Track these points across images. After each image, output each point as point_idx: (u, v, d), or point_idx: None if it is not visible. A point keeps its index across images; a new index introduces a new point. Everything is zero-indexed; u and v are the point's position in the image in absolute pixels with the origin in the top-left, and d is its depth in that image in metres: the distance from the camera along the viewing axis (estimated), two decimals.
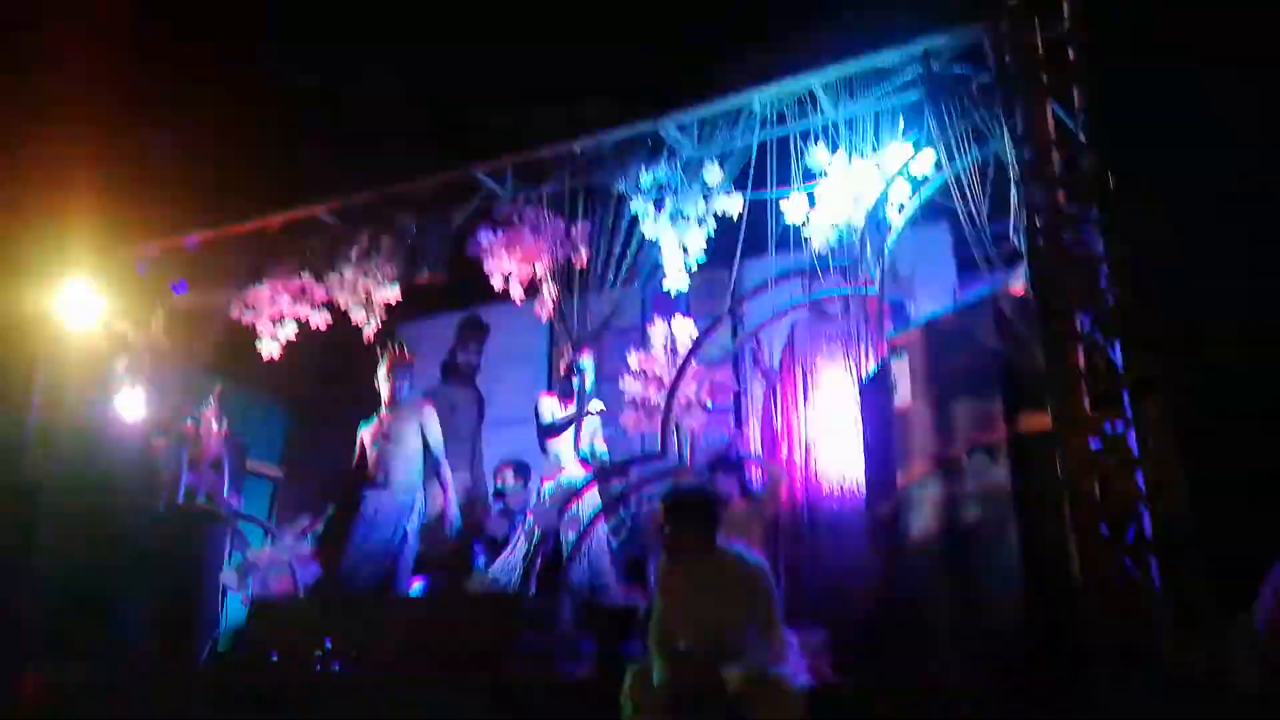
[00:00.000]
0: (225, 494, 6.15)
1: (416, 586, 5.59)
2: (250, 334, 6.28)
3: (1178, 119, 4.77)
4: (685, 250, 4.96)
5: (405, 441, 5.55)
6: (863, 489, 4.47)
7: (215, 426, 6.34)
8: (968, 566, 3.53)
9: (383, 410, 5.73)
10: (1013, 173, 3.74)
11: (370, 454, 5.60)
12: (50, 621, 5.28)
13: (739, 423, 6.12)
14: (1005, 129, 3.84)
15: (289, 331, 6.23)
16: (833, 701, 3.32)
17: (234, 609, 5.77)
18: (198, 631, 5.38)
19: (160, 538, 5.68)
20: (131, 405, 6.33)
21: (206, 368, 6.78)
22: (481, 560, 5.58)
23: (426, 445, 5.59)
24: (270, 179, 6.62)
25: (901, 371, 4.03)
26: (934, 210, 4.58)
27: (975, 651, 3.38)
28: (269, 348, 6.21)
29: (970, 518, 3.56)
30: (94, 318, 6.33)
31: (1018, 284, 3.81)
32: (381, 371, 5.77)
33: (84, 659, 5.05)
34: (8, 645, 5.11)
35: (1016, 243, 3.79)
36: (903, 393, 3.99)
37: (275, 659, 4.64)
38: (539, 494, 5.41)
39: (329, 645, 4.50)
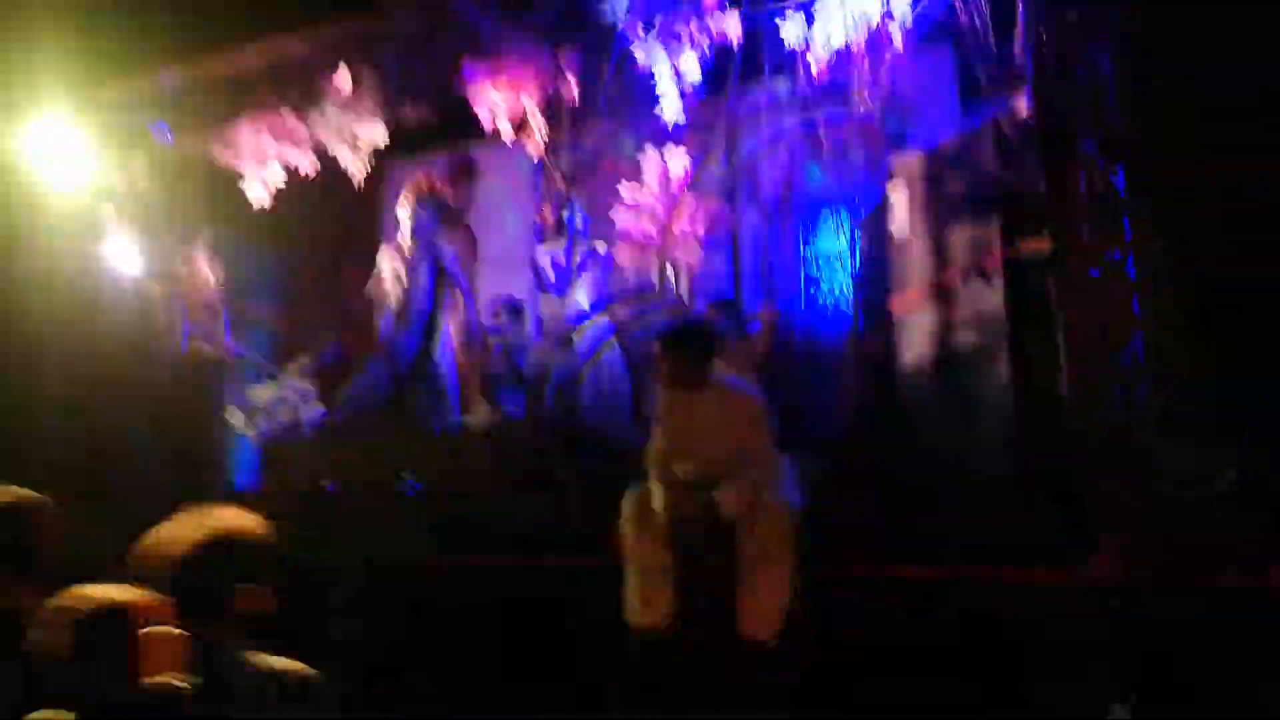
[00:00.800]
0: (224, 337, 6.18)
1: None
2: (236, 179, 6.15)
3: None
4: (679, 76, 4.75)
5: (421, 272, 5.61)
6: (859, 320, 4.49)
7: (208, 271, 6.30)
8: (959, 390, 3.58)
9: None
10: None
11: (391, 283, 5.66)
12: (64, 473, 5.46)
13: (736, 257, 6.05)
14: None
15: (276, 177, 6.08)
16: (826, 521, 3.44)
17: (244, 450, 5.92)
18: (210, 471, 5.53)
19: (164, 383, 5.77)
20: (122, 254, 6.28)
21: (195, 214, 6.66)
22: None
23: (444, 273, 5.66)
24: (245, 10, 6.27)
25: (900, 200, 3.97)
26: (937, 32, 4.35)
27: (967, 474, 3.47)
28: (256, 193, 6.08)
29: (964, 343, 3.59)
30: (75, 163, 6.19)
31: (1021, 106, 3.68)
32: (405, 201, 5.77)
33: (101, 501, 5.23)
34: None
35: (1022, 64, 3.63)
36: (900, 221, 3.94)
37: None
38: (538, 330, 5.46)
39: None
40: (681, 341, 3.47)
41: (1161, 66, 3.56)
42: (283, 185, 6.00)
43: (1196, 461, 2.92)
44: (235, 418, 5.73)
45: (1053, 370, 3.20)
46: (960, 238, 3.65)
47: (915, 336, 3.80)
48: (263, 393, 5.83)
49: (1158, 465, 2.94)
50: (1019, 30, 3.60)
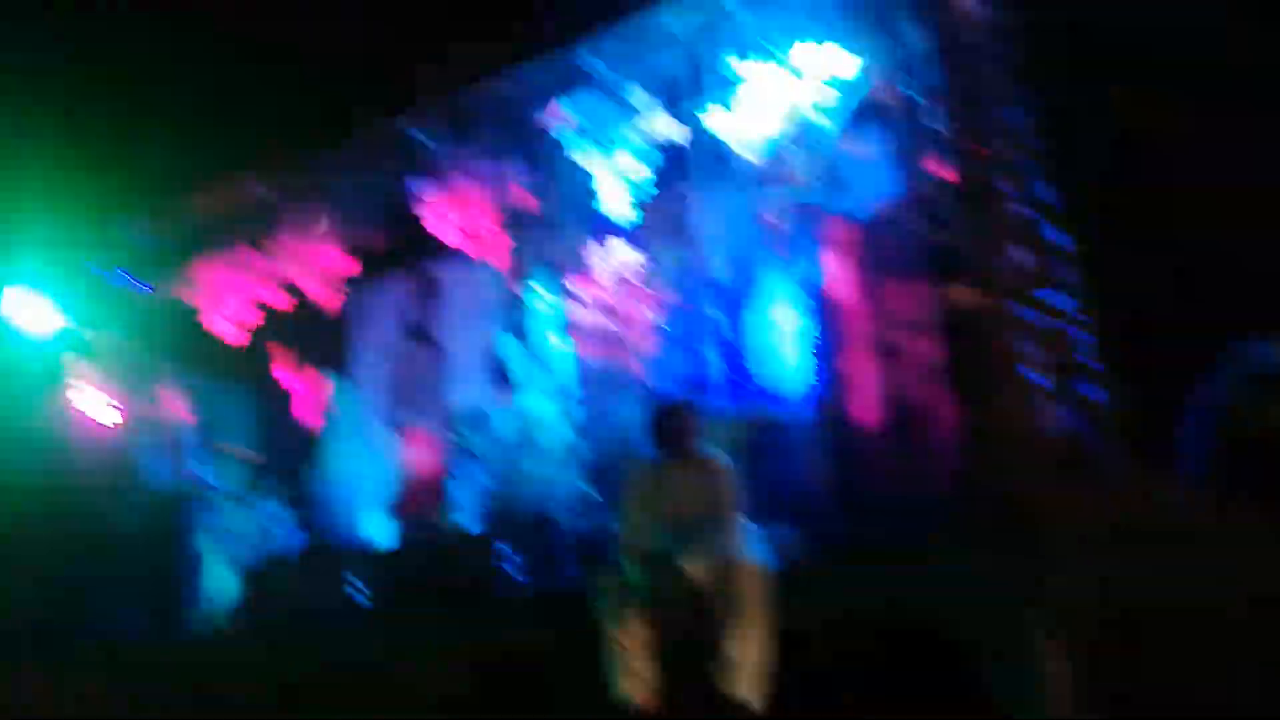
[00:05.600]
0: (194, 470, 6.20)
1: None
2: (207, 319, 6.30)
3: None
4: (628, 179, 5.01)
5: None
6: (816, 389, 4.60)
7: (174, 406, 6.37)
8: (910, 442, 3.68)
9: None
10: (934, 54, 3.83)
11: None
12: (39, 615, 5.38)
13: (697, 344, 6.17)
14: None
15: (248, 313, 6.25)
16: (801, 582, 3.46)
17: (221, 579, 5.84)
18: (183, 604, 5.44)
19: (136, 520, 5.74)
20: (92, 396, 6.35)
21: (163, 355, 6.78)
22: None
23: None
24: (200, 160, 6.56)
25: (840, 267, 4.15)
26: (869, 110, 4.63)
27: (922, 520, 3.52)
28: (225, 329, 6.24)
29: (910, 397, 3.71)
30: (45, 319, 6.34)
31: (945, 170, 3.92)
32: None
33: (75, 645, 5.13)
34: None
35: (941, 132, 3.88)
36: (842, 286, 4.12)
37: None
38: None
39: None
40: (675, 412, 3.74)
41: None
42: (251, 320, 6.15)
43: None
44: (207, 549, 5.69)
45: (995, 413, 3.31)
46: (898, 296, 3.81)
47: (867, 393, 3.92)
48: (234, 519, 5.81)
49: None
50: (939, 102, 3.85)
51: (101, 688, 4.78)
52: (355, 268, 6.25)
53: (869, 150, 4.51)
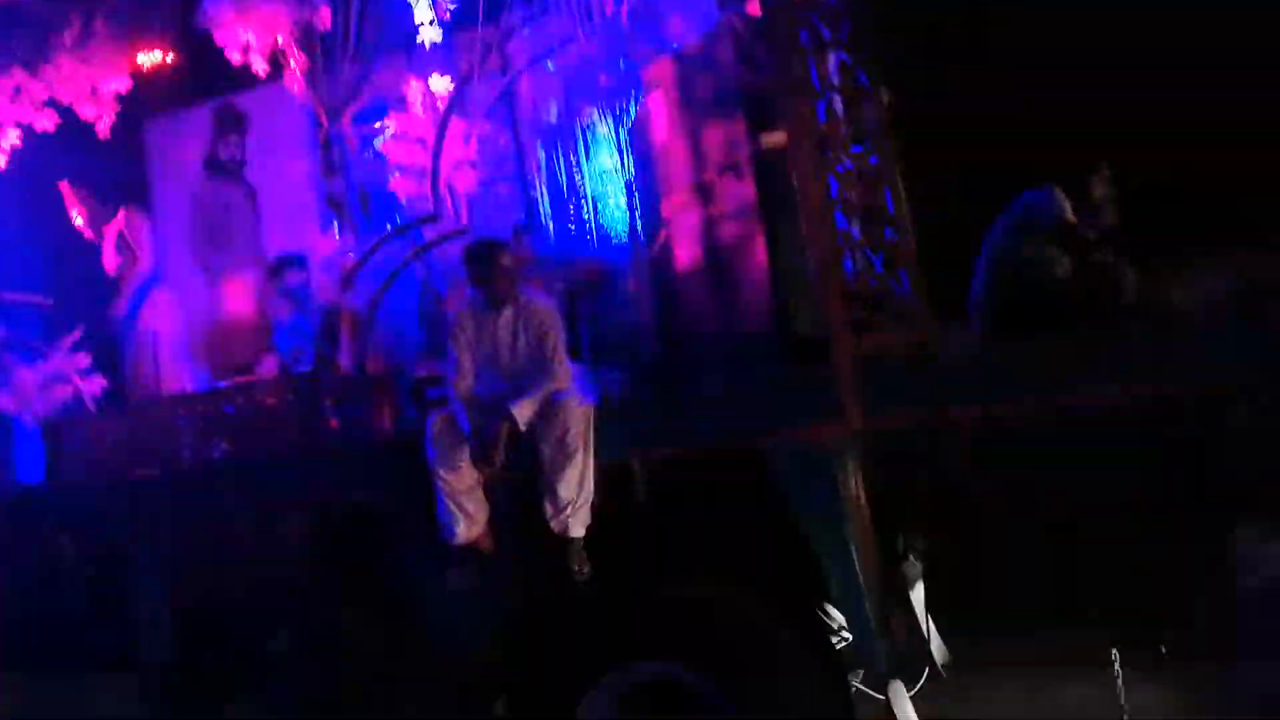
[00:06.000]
0: None
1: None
2: None
3: None
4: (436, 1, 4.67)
5: None
6: (638, 230, 4.66)
7: None
8: (726, 282, 3.82)
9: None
10: None
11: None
12: None
13: (523, 181, 6.08)
14: None
15: (12, 138, 5.59)
16: (622, 415, 3.61)
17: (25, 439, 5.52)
18: None
19: None
20: None
21: None
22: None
23: None
24: None
25: (657, 106, 4.11)
26: None
27: (736, 359, 3.73)
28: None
29: (724, 236, 3.81)
30: None
31: (756, 7, 3.87)
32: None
33: None
34: None
35: None
36: (659, 126, 4.09)
37: None
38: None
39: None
40: (486, 256, 3.59)
41: None
42: (18, 144, 5.53)
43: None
44: (6, 403, 5.32)
45: (801, 252, 3.45)
46: (713, 136, 3.83)
47: (684, 233, 3.99)
48: (34, 373, 5.43)
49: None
50: None
51: None
52: (144, 92, 5.67)
53: None
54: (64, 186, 6.20)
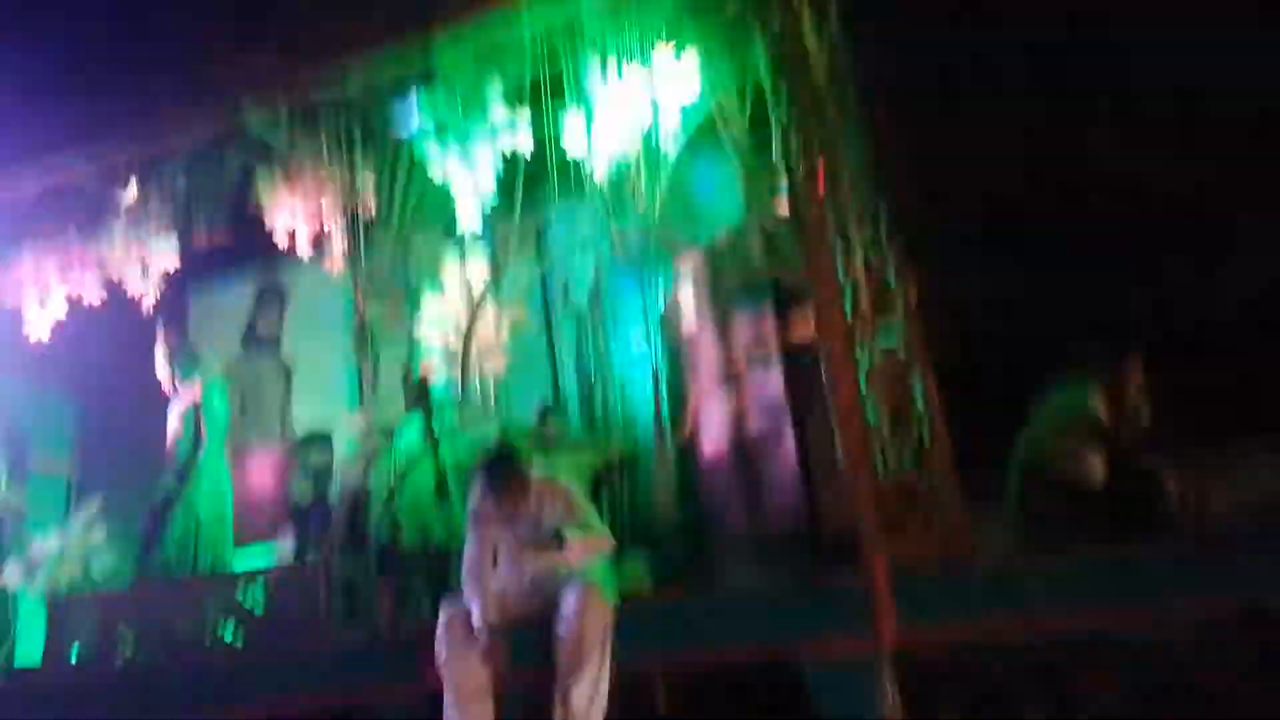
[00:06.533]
0: (3, 490, 5.69)
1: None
2: (16, 316, 5.76)
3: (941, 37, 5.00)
4: (474, 178, 4.82)
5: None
6: (665, 418, 4.59)
7: None
8: (753, 475, 3.70)
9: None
10: (772, 95, 3.85)
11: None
12: None
13: (552, 362, 6.12)
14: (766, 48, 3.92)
15: (58, 308, 5.74)
16: (643, 615, 3.42)
17: (28, 612, 5.38)
18: None
19: None
20: None
21: None
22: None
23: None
24: (16, 136, 5.98)
25: (687, 296, 4.14)
26: (707, 137, 4.63)
27: (764, 556, 3.56)
28: (36, 328, 5.71)
29: (753, 426, 3.73)
30: None
31: (780, 203, 3.95)
32: (159, 355, 5.50)
33: None
34: None
35: (778, 163, 3.90)
36: (689, 316, 4.11)
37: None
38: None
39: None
40: (501, 469, 3.48)
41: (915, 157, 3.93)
42: (63, 316, 5.67)
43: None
44: (13, 575, 5.22)
45: (830, 447, 3.35)
46: (741, 327, 3.82)
47: (712, 423, 3.92)
48: (45, 545, 5.34)
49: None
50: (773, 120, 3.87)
51: None
52: (190, 265, 5.86)
53: (711, 177, 4.52)
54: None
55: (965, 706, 3.08)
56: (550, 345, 5.96)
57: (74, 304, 5.70)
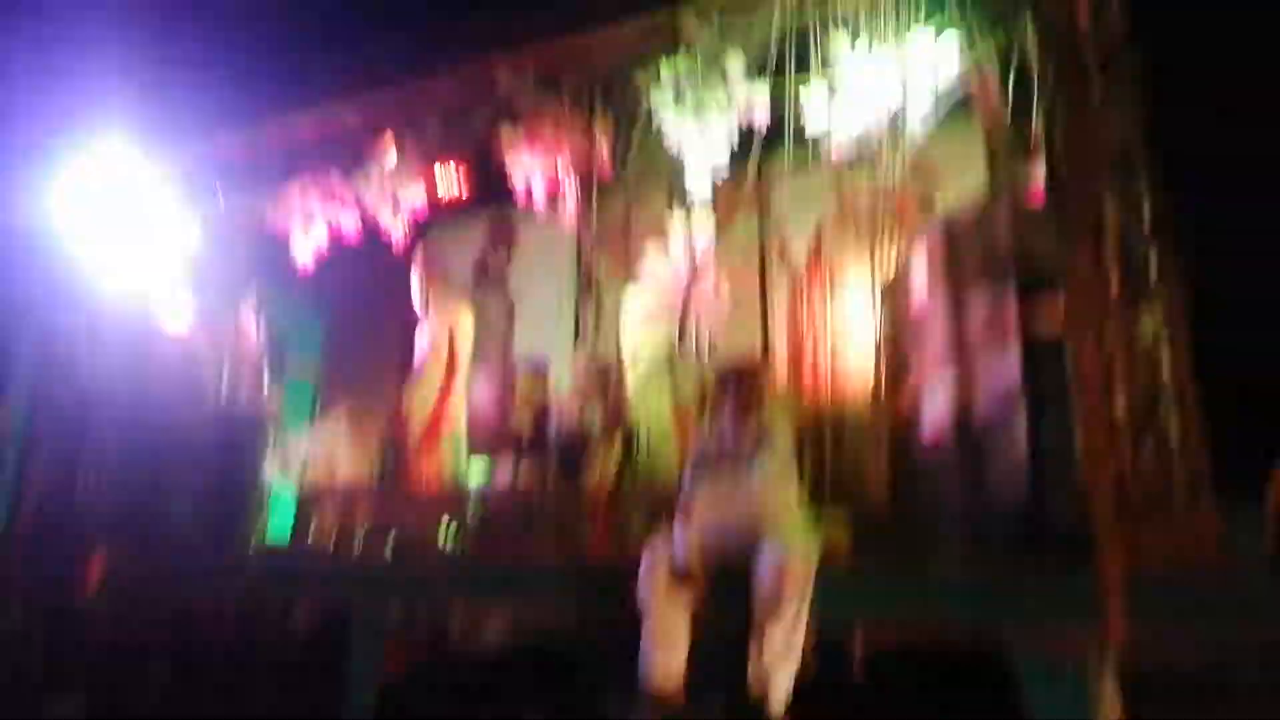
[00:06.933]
0: (265, 393, 6.38)
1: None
2: (284, 239, 6.41)
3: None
4: (707, 146, 4.88)
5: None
6: (881, 389, 4.51)
7: (253, 329, 6.54)
8: (976, 461, 3.58)
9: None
10: (1036, 55, 3.64)
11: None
12: (108, 518, 5.66)
13: (765, 319, 6.12)
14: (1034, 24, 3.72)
15: (320, 236, 6.33)
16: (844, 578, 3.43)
17: (281, 502, 6.05)
18: (242, 520, 5.64)
19: (205, 436, 5.94)
20: (174, 310, 6.55)
21: (245, 272, 6.93)
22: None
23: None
24: (294, 80, 6.60)
25: (920, 268, 4.02)
26: (960, 102, 4.44)
27: (979, 539, 3.46)
28: (302, 253, 6.33)
29: (981, 413, 3.60)
30: (135, 223, 6.50)
31: (1039, 175, 3.74)
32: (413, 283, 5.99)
33: (139, 552, 5.40)
34: (73, 538, 5.51)
35: (1040, 132, 3.70)
36: (920, 290, 3.99)
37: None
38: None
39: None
40: (741, 376, 3.68)
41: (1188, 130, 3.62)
42: (328, 244, 6.25)
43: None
44: (274, 469, 5.88)
45: (1069, 445, 3.20)
46: (978, 307, 3.68)
47: (935, 403, 3.82)
48: (298, 443, 5.98)
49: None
50: (1036, 99, 3.67)
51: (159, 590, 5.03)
52: (435, 207, 6.29)
53: (963, 147, 4.33)
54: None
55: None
56: (764, 307, 5.99)
57: (333, 234, 6.29)
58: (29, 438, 5.98)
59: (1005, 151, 3.93)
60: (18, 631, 5.19)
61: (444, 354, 6.10)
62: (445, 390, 6.02)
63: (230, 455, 5.79)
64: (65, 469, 5.76)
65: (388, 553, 4.77)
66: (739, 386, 3.68)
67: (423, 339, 6.15)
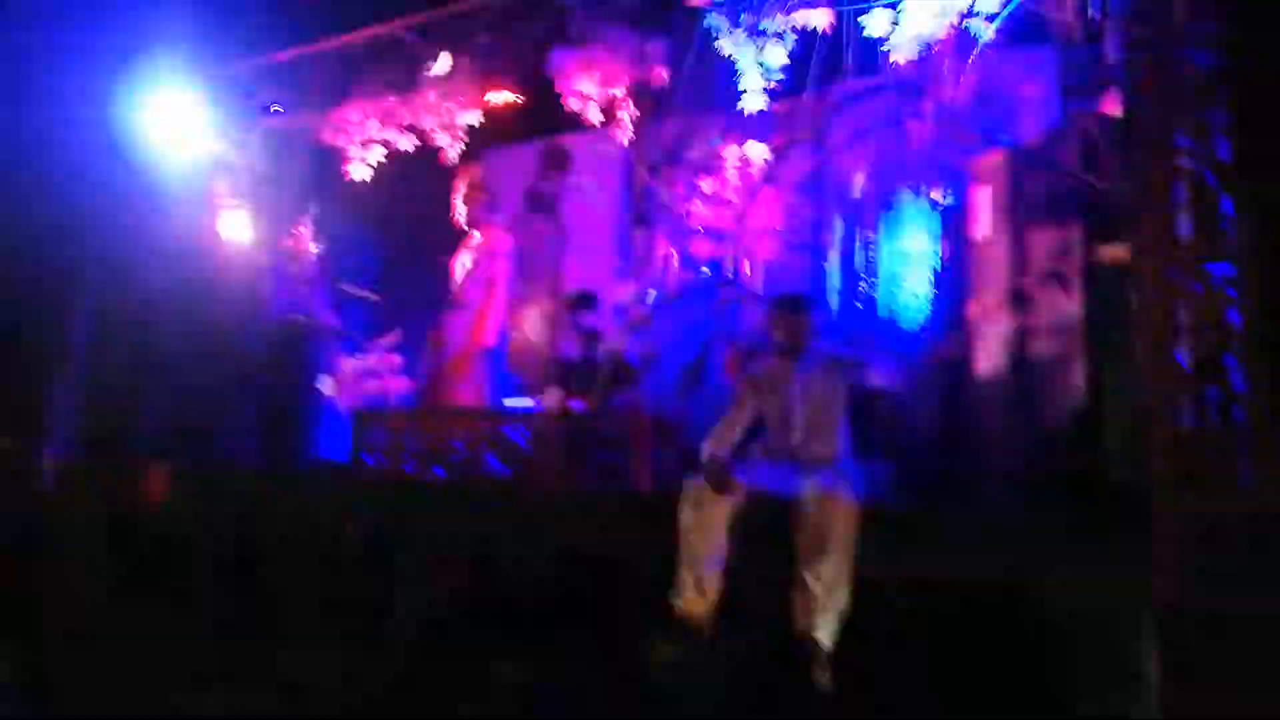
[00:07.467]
0: (321, 309, 6.48)
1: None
2: (340, 157, 6.42)
3: None
4: (764, 68, 4.71)
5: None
6: (934, 325, 4.39)
7: (311, 246, 6.60)
8: (1032, 400, 3.49)
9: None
10: None
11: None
12: (171, 426, 5.87)
13: (818, 254, 5.99)
14: None
15: (377, 154, 6.32)
16: (888, 522, 3.40)
17: (333, 416, 6.20)
18: (297, 435, 5.80)
19: (262, 349, 6.08)
20: (233, 224, 6.65)
21: (301, 190, 6.98)
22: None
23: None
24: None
25: (982, 200, 3.87)
26: (1029, 29, 4.19)
27: (1032, 485, 3.38)
28: (358, 171, 6.34)
29: (1040, 350, 3.49)
30: (194, 137, 6.56)
31: (1113, 104, 3.54)
32: (458, 196, 5.87)
33: (200, 458, 5.60)
34: (136, 445, 5.73)
35: (1115, 62, 3.48)
36: (982, 222, 3.85)
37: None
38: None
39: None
40: (797, 305, 3.67)
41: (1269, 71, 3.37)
42: (382, 164, 6.23)
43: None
44: (326, 385, 6.00)
45: (1129, 382, 3.07)
46: (1040, 240, 3.53)
47: (991, 342, 3.70)
48: (353, 364, 6.08)
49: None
50: (1113, 27, 3.45)
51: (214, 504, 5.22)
52: (487, 125, 6.22)
53: (1030, 73, 4.10)
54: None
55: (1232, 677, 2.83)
56: (817, 234, 5.83)
57: (388, 151, 6.27)
58: (92, 353, 6.18)
59: (1075, 69, 3.70)
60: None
61: (484, 277, 6.07)
62: (482, 313, 6.02)
63: (287, 373, 5.92)
64: (127, 384, 5.93)
65: (432, 473, 4.86)
66: (790, 318, 3.62)
67: (465, 260, 6.12)
